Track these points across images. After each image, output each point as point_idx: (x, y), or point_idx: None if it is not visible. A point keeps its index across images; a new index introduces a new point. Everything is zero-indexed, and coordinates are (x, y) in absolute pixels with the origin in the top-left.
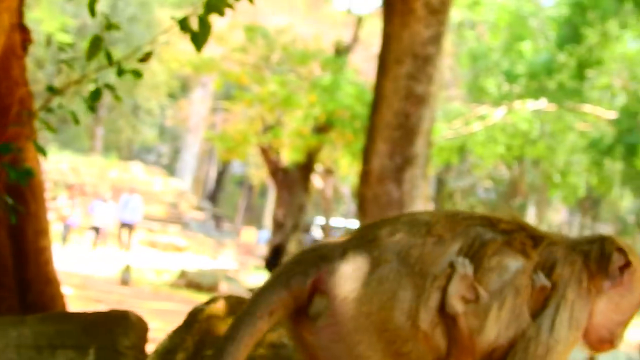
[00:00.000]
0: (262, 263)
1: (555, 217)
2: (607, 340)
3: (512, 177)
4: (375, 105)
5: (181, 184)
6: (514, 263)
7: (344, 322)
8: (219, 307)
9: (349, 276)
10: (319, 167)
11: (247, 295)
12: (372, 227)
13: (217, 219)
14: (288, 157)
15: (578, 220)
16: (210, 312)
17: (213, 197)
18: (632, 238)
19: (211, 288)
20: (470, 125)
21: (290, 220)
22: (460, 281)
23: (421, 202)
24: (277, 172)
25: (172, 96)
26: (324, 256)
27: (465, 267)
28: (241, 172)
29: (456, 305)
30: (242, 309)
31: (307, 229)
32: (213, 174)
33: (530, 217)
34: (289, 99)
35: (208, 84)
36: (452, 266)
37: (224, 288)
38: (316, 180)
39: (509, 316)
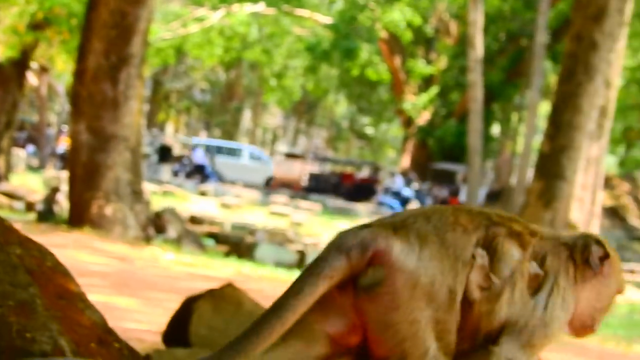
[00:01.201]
0: None
1: (271, 121)
2: (589, 326)
3: (229, 80)
4: (92, 3)
5: None
6: (517, 253)
7: (402, 290)
8: None
9: (405, 251)
10: (34, 64)
11: None
12: (406, 214)
13: None
14: (2, 53)
15: (293, 124)
16: None
17: None
18: (346, 143)
19: None
20: (188, 27)
21: (3, 118)
22: (479, 271)
23: (136, 102)
24: None
25: None
26: (378, 233)
27: (483, 258)
28: None
29: (475, 292)
30: (304, 270)
31: (20, 127)
32: None
33: (246, 120)
34: None
35: None
36: (473, 257)
37: None
38: (31, 78)
39: (518, 299)
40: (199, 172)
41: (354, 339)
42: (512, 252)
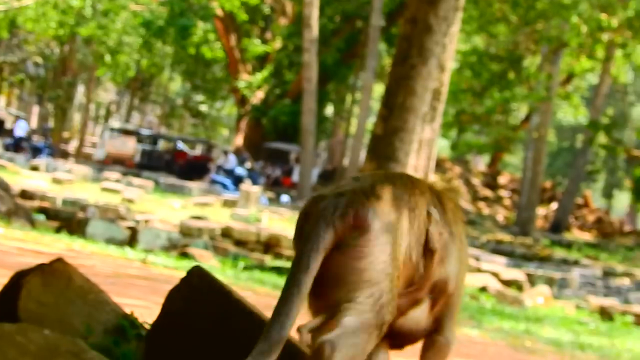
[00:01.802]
0: None
1: (105, 96)
2: None
3: (63, 54)
4: None
5: None
6: (454, 215)
7: (374, 245)
8: None
9: (379, 214)
10: None
11: None
12: (371, 179)
13: None
14: None
15: (127, 99)
16: None
17: None
18: (179, 120)
19: None
20: (22, 0)
21: None
22: (436, 225)
23: None
24: None
25: None
26: (354, 200)
27: (437, 214)
28: None
29: (435, 242)
30: (302, 246)
31: None
32: None
33: (79, 95)
34: None
35: None
36: (429, 214)
37: None
38: None
39: (459, 251)
40: (20, 146)
41: None
42: (453, 211)
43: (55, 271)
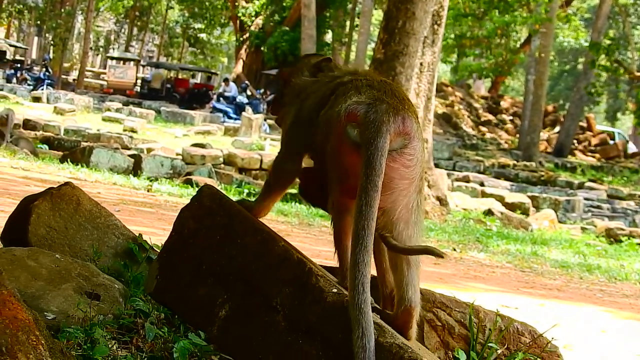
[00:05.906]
0: None
1: (103, 26)
2: None
3: None
4: None
5: None
6: None
7: (418, 153)
8: None
9: (417, 126)
10: None
11: None
12: (383, 88)
13: None
14: None
15: (126, 29)
16: None
17: None
18: (178, 49)
19: None
20: None
21: None
22: None
23: None
24: None
25: None
26: (397, 109)
27: None
28: None
29: None
30: (367, 154)
31: None
32: None
33: (78, 25)
34: None
35: None
36: None
37: None
38: None
39: None
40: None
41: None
42: None
43: (64, 195)
